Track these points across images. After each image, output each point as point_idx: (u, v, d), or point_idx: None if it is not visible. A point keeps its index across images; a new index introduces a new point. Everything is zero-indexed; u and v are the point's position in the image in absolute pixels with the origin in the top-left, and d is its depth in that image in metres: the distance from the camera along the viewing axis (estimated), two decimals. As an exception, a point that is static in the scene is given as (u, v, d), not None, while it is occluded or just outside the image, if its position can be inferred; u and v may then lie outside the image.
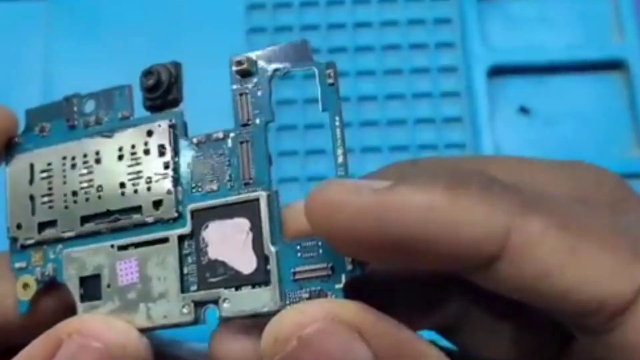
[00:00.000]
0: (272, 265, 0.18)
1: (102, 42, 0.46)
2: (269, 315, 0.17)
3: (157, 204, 0.20)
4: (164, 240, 0.19)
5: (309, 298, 0.18)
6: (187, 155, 0.20)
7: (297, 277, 0.18)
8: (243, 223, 0.19)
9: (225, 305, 0.18)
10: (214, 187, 0.19)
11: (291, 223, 0.19)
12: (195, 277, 0.19)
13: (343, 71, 0.45)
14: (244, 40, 0.45)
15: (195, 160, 0.20)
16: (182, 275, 0.19)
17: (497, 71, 0.44)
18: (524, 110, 0.44)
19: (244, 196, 0.19)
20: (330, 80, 0.19)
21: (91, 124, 0.22)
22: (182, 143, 0.20)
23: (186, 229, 0.19)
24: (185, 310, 0.19)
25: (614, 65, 0.44)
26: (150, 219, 0.20)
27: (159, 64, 0.21)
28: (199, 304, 0.19)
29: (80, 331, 0.18)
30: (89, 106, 0.22)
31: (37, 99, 0.45)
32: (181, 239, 0.19)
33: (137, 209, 0.20)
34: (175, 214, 0.20)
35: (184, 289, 0.19)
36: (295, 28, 0.46)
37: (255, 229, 0.19)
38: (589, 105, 0.44)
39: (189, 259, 0.19)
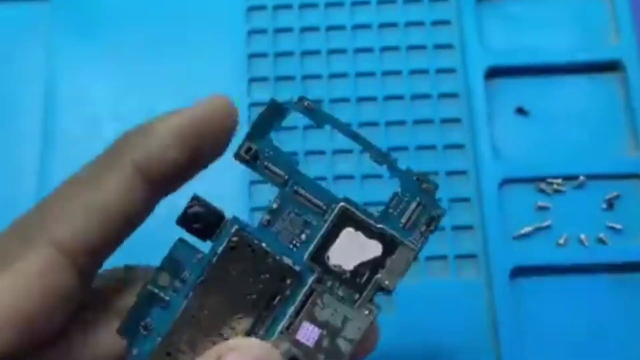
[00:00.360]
0: (390, 233, 0.22)
1: (103, 43, 0.46)
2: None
3: (283, 279, 0.22)
4: (311, 292, 0.22)
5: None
6: (267, 235, 0.22)
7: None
8: (348, 232, 0.22)
9: (385, 281, 0.22)
10: (307, 233, 0.22)
11: None
12: (350, 288, 0.22)
13: (342, 72, 0.45)
14: (244, 42, 0.46)
15: (277, 234, 0.22)
16: (341, 298, 0.22)
17: (495, 72, 0.44)
18: (522, 111, 0.44)
19: (332, 217, 0.22)
20: (311, 107, 0.23)
21: (179, 288, 0.22)
22: (258, 233, 0.22)
23: (316, 273, 0.22)
24: (366, 312, 0.22)
25: (611, 66, 0.44)
26: (287, 291, 0.22)
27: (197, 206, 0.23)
28: (371, 300, 0.22)
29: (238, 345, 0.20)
30: (163, 279, 0.22)
31: (38, 100, 0.45)
32: (319, 280, 0.22)
33: (273, 297, 0.22)
34: (299, 269, 0.22)
35: (353, 302, 0.22)
36: (294, 29, 0.46)
37: (358, 226, 0.22)
38: (586, 106, 0.44)
39: (336, 284, 0.22)
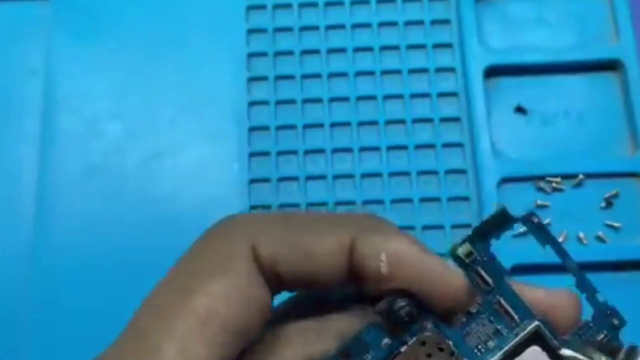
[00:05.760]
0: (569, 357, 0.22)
1: (103, 43, 0.46)
2: None
3: None
4: None
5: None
6: (456, 335, 0.22)
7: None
8: (535, 350, 0.22)
9: None
10: (494, 342, 0.22)
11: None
12: None
13: (341, 71, 0.45)
14: (243, 41, 0.46)
15: (466, 335, 0.23)
16: None
17: (494, 71, 0.44)
18: (521, 110, 0.44)
19: (524, 333, 0.22)
20: (539, 224, 0.23)
21: None
22: (451, 332, 0.22)
23: None
24: None
25: (610, 65, 0.44)
26: None
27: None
28: None
29: None
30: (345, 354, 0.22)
31: (38, 100, 0.45)
32: None
33: None
34: None
35: None
36: (294, 28, 0.46)
37: (545, 346, 0.22)
38: (585, 105, 0.44)
39: None
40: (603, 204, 0.42)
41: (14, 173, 0.43)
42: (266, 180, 0.43)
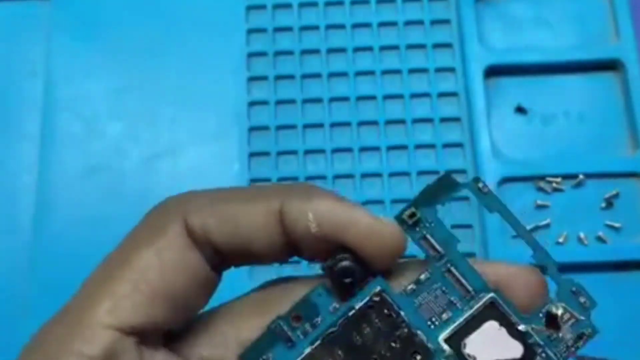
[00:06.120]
0: (534, 338, 0.21)
1: (103, 43, 0.46)
2: None
3: (413, 353, 0.22)
4: None
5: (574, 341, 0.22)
6: (408, 305, 0.22)
7: (550, 331, 0.22)
8: (492, 324, 0.21)
9: None
10: (448, 314, 0.22)
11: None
12: None
13: (341, 71, 0.45)
14: (243, 41, 0.46)
15: (418, 306, 0.22)
16: None
17: (494, 71, 0.44)
18: (521, 110, 0.44)
19: (479, 305, 0.22)
20: (485, 190, 0.23)
21: (309, 332, 0.22)
22: (400, 299, 0.22)
23: (448, 357, 0.21)
24: None
25: (610, 65, 0.44)
26: None
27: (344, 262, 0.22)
28: None
29: None
30: (296, 318, 0.22)
31: (37, 99, 0.45)
32: None
33: None
34: (432, 348, 0.21)
35: None
36: (294, 28, 0.46)
37: (503, 321, 0.21)
38: (585, 105, 0.44)
39: None
40: (603, 204, 0.42)
41: (14, 173, 0.43)
42: (266, 180, 0.43)
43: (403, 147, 0.43)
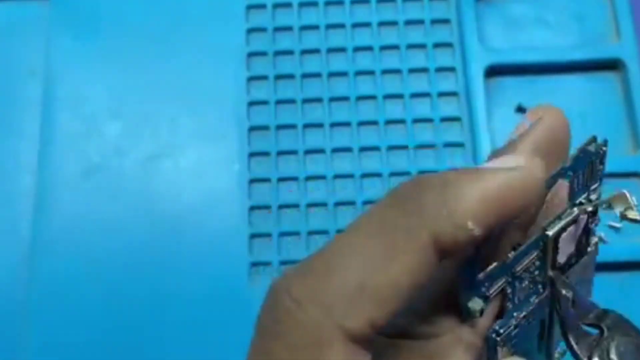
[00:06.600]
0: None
1: (103, 43, 0.46)
2: None
3: None
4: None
5: None
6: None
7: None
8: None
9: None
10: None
11: None
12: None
13: (341, 71, 0.45)
14: (243, 40, 0.46)
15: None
16: None
17: (494, 71, 0.44)
18: (521, 110, 0.44)
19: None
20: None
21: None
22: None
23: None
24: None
25: (611, 65, 0.44)
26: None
27: None
28: None
29: None
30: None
31: (37, 99, 0.45)
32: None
33: None
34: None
35: None
36: (294, 28, 0.46)
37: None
38: (586, 105, 0.44)
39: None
40: (604, 205, 0.42)
41: (14, 172, 0.43)
42: (266, 180, 0.43)
43: (403, 147, 0.43)
